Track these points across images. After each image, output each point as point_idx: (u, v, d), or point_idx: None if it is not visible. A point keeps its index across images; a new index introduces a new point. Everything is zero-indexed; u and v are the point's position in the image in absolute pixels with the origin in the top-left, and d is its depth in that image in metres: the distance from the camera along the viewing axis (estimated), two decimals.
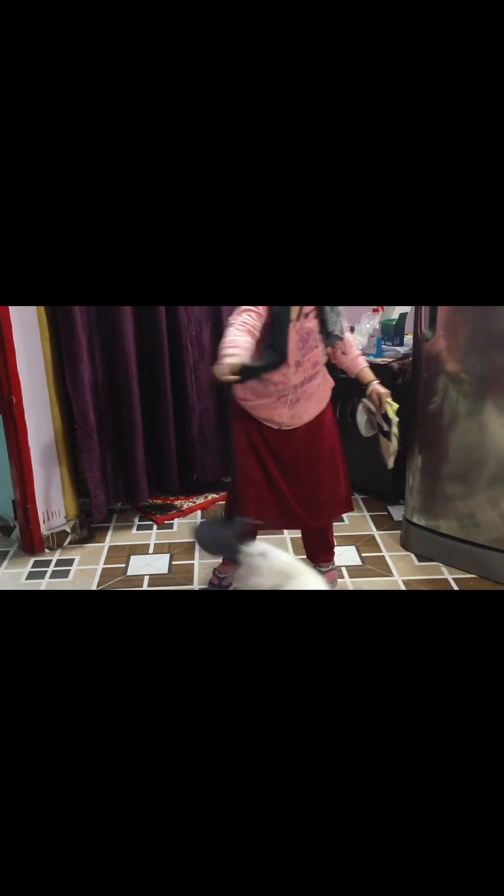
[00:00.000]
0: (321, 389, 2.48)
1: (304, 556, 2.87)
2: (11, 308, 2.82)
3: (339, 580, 2.86)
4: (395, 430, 2.41)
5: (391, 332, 3.57)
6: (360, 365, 2.48)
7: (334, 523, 3.28)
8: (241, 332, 2.18)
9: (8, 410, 2.95)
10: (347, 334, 2.44)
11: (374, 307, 3.62)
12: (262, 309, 2.21)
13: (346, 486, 2.65)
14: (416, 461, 2.97)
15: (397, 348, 3.52)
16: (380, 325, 3.55)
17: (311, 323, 2.29)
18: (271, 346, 2.22)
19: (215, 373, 2.13)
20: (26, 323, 2.91)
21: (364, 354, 3.38)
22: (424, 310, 2.74)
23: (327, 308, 2.28)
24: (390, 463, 2.53)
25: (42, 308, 2.96)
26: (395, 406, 2.40)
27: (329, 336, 2.31)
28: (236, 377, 2.11)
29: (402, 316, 3.57)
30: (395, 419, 2.39)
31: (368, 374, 2.46)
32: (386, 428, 2.41)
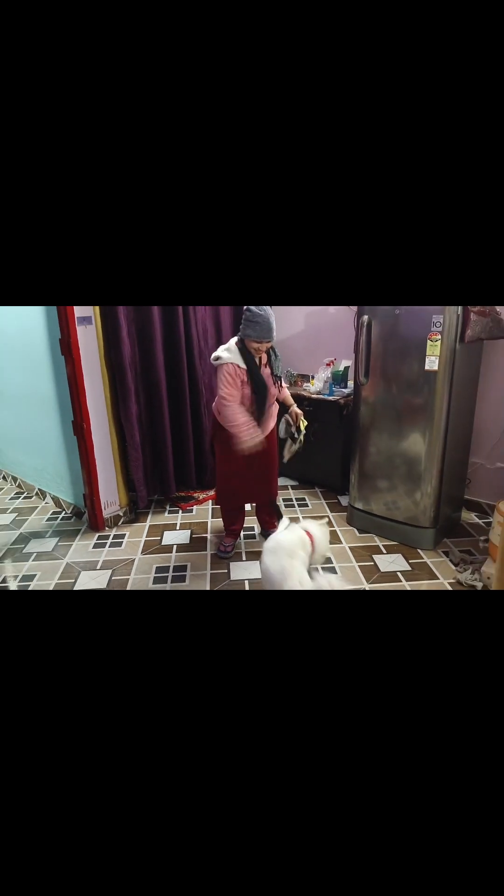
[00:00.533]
0: (275, 409, 2.70)
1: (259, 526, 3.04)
2: (83, 362, 2.88)
3: None
4: (300, 438, 2.68)
5: (339, 379, 3.62)
6: (284, 393, 2.73)
7: (303, 507, 3.45)
8: (240, 407, 2.48)
9: (81, 433, 3.03)
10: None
11: (327, 362, 3.70)
12: (237, 383, 2.46)
13: (277, 474, 2.86)
14: (356, 465, 3.02)
15: (343, 390, 3.57)
16: (331, 374, 3.61)
17: (267, 370, 2.53)
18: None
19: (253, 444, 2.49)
20: (92, 373, 2.98)
21: (319, 394, 3.59)
22: (362, 363, 2.79)
23: (272, 357, 2.52)
24: (286, 458, 2.77)
25: (104, 361, 3.02)
26: (305, 423, 2.69)
27: (276, 377, 2.56)
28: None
29: (346, 368, 3.60)
30: (303, 431, 2.68)
31: (290, 400, 2.74)
32: (296, 435, 2.68)
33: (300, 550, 2.08)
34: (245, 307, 2.40)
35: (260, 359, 2.49)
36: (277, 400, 2.72)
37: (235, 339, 2.50)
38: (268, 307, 2.38)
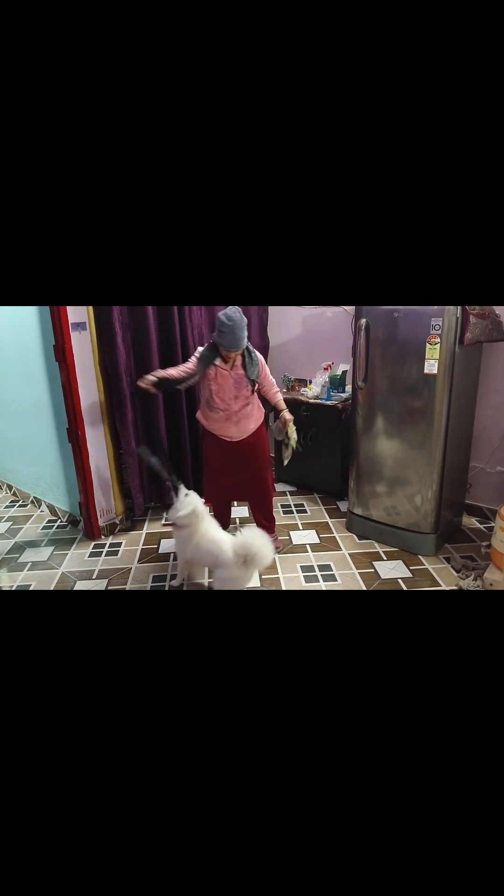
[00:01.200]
0: (254, 413, 2.69)
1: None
2: (77, 368, 2.85)
3: (302, 554, 2.92)
4: (291, 443, 2.70)
5: (337, 383, 3.60)
6: (276, 398, 2.73)
7: (301, 514, 3.41)
8: (175, 369, 2.65)
9: (76, 441, 3.00)
10: (271, 378, 2.71)
11: (325, 366, 3.69)
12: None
13: (271, 479, 2.90)
14: (355, 471, 2.99)
15: (341, 394, 3.55)
16: (329, 378, 3.60)
17: (240, 371, 2.54)
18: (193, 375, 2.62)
19: (139, 383, 2.65)
20: (87, 379, 2.94)
21: (317, 398, 3.56)
22: (360, 367, 2.77)
23: (247, 361, 2.54)
24: (286, 462, 2.84)
25: (98, 367, 2.97)
26: (293, 428, 2.69)
27: (250, 380, 2.56)
28: (152, 387, 2.61)
29: (344, 372, 3.60)
30: (292, 437, 2.68)
31: (281, 405, 2.73)
32: (287, 441, 2.69)
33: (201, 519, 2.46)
34: (217, 315, 2.44)
35: (234, 361, 2.54)
36: (273, 405, 2.73)
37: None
38: (237, 316, 2.40)
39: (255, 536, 2.27)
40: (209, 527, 2.47)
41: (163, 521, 3.24)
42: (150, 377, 2.63)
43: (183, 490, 2.47)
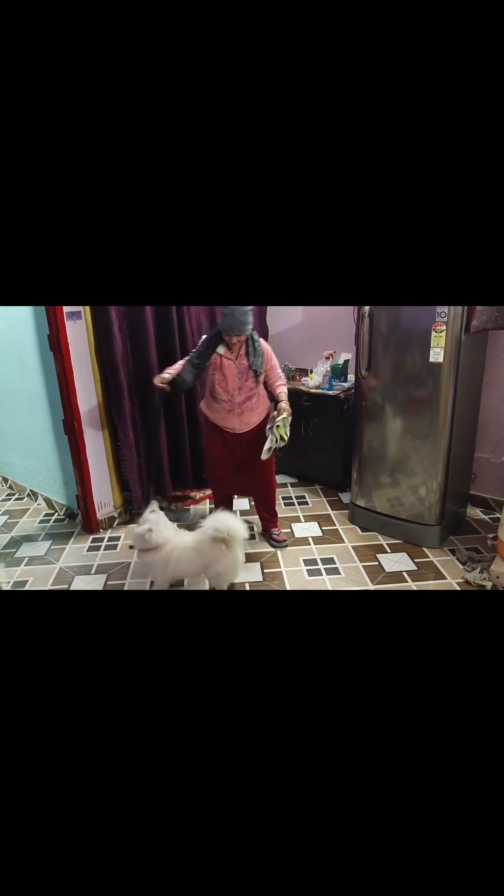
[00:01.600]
0: (259, 406, 2.63)
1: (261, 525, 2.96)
2: (73, 358, 2.81)
3: (305, 547, 2.89)
4: (276, 434, 2.48)
5: (339, 372, 3.56)
6: (278, 391, 2.61)
7: (303, 505, 3.37)
8: (183, 362, 2.52)
9: (72, 433, 2.97)
10: (279, 372, 2.62)
11: (326, 355, 3.64)
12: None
13: (273, 473, 2.85)
14: (358, 462, 2.95)
15: (343, 384, 3.50)
16: (331, 368, 3.53)
17: (245, 361, 2.48)
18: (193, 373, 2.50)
19: (154, 381, 2.51)
20: (83, 369, 2.89)
21: (318, 388, 3.51)
22: (363, 356, 2.73)
23: (251, 352, 2.47)
24: (263, 455, 2.53)
25: (94, 357, 2.93)
26: (283, 417, 2.48)
27: (254, 371, 2.50)
28: (166, 386, 2.46)
29: (346, 361, 3.55)
30: (278, 428, 2.48)
31: (280, 397, 2.58)
32: (268, 433, 2.54)
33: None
34: None
35: (238, 350, 2.49)
36: (275, 396, 2.65)
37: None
38: None
39: (219, 519, 2.29)
40: (180, 537, 2.36)
41: (129, 545, 2.95)
42: (166, 375, 2.50)
43: (151, 506, 2.39)
